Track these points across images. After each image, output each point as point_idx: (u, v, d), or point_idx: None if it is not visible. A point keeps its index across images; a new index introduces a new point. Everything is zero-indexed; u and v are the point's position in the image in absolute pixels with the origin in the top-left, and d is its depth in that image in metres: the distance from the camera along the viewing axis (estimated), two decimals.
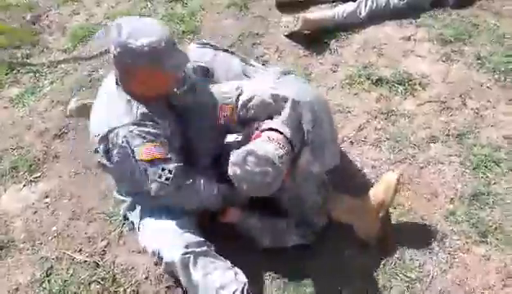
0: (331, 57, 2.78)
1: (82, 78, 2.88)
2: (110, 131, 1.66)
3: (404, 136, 2.35)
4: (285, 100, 1.76)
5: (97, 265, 2.05)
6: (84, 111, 2.40)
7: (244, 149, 1.62)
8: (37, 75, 2.97)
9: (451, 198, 2.11)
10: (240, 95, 1.81)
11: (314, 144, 1.77)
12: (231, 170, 1.63)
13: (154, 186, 1.67)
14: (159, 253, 1.76)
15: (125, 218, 2.10)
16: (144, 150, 1.63)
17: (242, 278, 1.73)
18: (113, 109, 1.69)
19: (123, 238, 2.13)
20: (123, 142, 1.64)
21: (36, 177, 2.43)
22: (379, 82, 2.59)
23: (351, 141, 2.37)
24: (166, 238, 1.75)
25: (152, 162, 1.64)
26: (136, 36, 1.56)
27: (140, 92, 1.69)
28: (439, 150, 2.29)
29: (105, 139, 1.68)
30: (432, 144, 2.32)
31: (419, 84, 2.56)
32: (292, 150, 1.70)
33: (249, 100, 1.79)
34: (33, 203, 2.32)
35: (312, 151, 1.77)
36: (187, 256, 1.69)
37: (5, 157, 2.52)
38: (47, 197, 2.34)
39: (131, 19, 1.68)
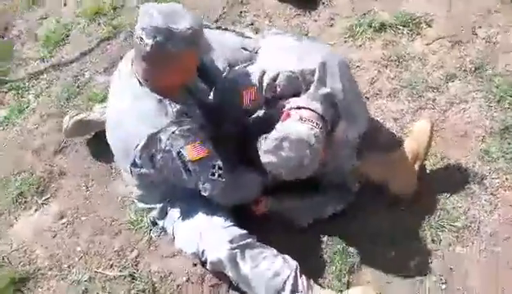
0: (325, 11, 2.61)
1: (68, 85, 2.69)
2: (150, 138, 1.52)
3: (420, 81, 2.24)
4: (312, 73, 1.63)
5: (133, 278, 1.95)
6: (82, 128, 2.28)
7: (275, 134, 1.51)
8: (19, 91, 2.76)
9: (482, 137, 2.03)
10: (263, 75, 1.66)
11: (347, 111, 1.66)
12: (265, 158, 1.51)
13: (208, 185, 1.59)
14: (202, 254, 1.68)
15: (153, 224, 2.00)
16: (191, 151, 1.52)
17: (292, 262, 1.66)
18: (145, 114, 1.54)
19: (153, 245, 2.02)
20: (166, 146, 1.52)
21: (46, 199, 2.29)
22: (382, 27, 2.44)
23: (366, 97, 2.25)
24: (207, 236, 1.67)
25: (201, 161, 1.54)
26: (173, 20, 1.41)
27: (171, 83, 1.55)
28: (459, 88, 2.19)
29: (146, 147, 1.54)
30: (450, 84, 2.21)
31: (424, 22, 2.42)
32: (325, 125, 1.58)
33: (275, 78, 1.65)
34: (50, 227, 2.20)
35: (346, 119, 1.66)
36: (234, 251, 1.62)
37: (8, 184, 2.37)
38: (62, 217, 2.22)
39: (153, 5, 1.48)
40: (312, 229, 1.88)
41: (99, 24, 2.94)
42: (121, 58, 2.62)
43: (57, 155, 2.42)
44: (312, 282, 1.65)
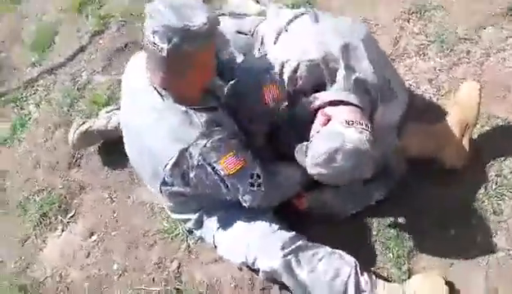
0: None
1: (67, 89, 2.51)
2: (180, 155, 1.38)
3: (448, 32, 2.05)
4: (335, 59, 1.46)
5: (178, 291, 1.87)
6: (88, 139, 2.13)
7: (323, 146, 1.36)
8: (17, 103, 2.59)
9: None
10: (282, 67, 1.49)
11: (382, 93, 1.49)
12: (314, 170, 1.39)
13: (248, 197, 1.47)
14: (253, 264, 1.59)
15: (189, 232, 1.89)
16: (226, 164, 1.39)
17: (349, 258, 1.56)
18: (171, 130, 1.38)
19: (193, 253, 1.92)
20: (199, 162, 1.38)
21: (71, 217, 2.17)
22: None
23: (392, 58, 2.07)
24: (256, 245, 1.57)
25: (237, 173, 1.41)
26: (186, 15, 1.23)
27: (193, 88, 1.40)
28: (493, 35, 2.01)
29: (177, 165, 1.40)
30: (483, 31, 2.03)
31: None
32: (367, 117, 1.43)
33: (295, 70, 1.48)
34: (81, 246, 2.09)
35: (383, 102, 1.49)
36: (288, 257, 1.52)
37: (28, 206, 2.24)
38: (92, 234, 2.11)
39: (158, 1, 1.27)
40: (354, 218, 1.76)
41: (86, 16, 2.71)
42: (117, 51, 2.57)
43: (72, 169, 2.28)
44: (374, 277, 1.56)
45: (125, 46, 2.59)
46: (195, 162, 1.38)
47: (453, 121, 1.68)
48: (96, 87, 2.46)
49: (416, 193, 1.77)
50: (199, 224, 1.70)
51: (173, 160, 1.39)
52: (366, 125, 1.38)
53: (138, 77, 1.43)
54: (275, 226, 1.58)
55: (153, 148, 1.43)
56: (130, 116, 1.53)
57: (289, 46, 1.54)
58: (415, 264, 1.66)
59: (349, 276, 1.50)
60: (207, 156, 1.37)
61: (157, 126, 1.40)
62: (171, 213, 1.81)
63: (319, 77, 1.48)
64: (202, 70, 1.36)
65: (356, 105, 1.41)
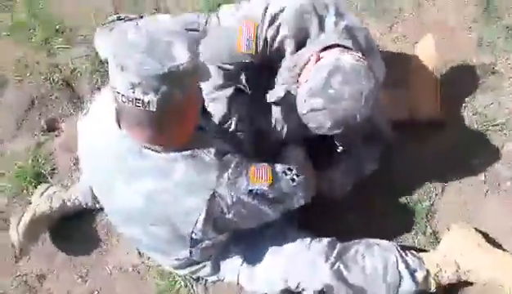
0: None
1: None
2: (210, 204, 1.14)
3: None
4: (326, 6, 1.34)
5: None
6: (35, 228, 1.74)
7: (322, 71, 1.21)
8: None
9: (469, 27, 1.94)
10: (266, 8, 1.33)
11: (368, 46, 1.40)
12: (307, 105, 1.23)
13: (300, 195, 1.27)
14: (297, 287, 1.41)
15: (196, 279, 1.65)
16: (259, 179, 1.18)
17: (386, 243, 1.47)
18: (187, 182, 1.13)
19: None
20: (233, 198, 1.15)
21: None
22: None
23: None
24: (295, 266, 1.40)
25: (275, 178, 1.21)
26: (165, 55, 0.97)
27: (189, 129, 1.15)
28: None
29: (209, 217, 1.16)
30: None
31: None
32: None
33: (280, 12, 1.32)
34: None
35: (371, 56, 1.38)
36: (336, 266, 1.38)
37: None
38: None
39: (124, 41, 0.99)
40: (352, 198, 1.66)
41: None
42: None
43: (20, 261, 1.87)
44: (413, 251, 1.48)
45: (32, 103, 2.19)
46: (229, 201, 1.16)
47: (419, 74, 1.69)
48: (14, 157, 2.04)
49: (407, 155, 1.74)
50: (216, 268, 1.48)
51: (204, 214, 1.15)
52: (361, 56, 1.27)
53: (112, 137, 1.15)
54: (306, 240, 1.42)
55: (171, 214, 1.18)
56: (120, 189, 1.22)
57: None
58: (437, 223, 1.63)
59: (397, 262, 1.40)
60: (237, 186, 1.16)
61: (168, 186, 1.14)
62: (178, 270, 1.55)
63: (306, 28, 1.33)
64: (195, 107, 1.13)
65: (349, 48, 1.30)
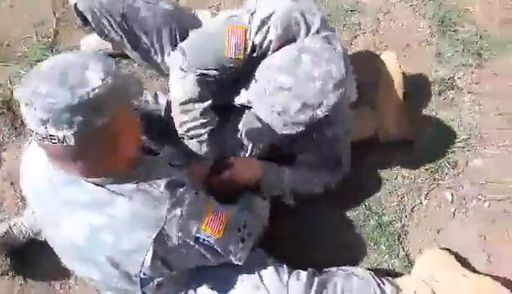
0: None
1: None
2: (157, 242, 1.02)
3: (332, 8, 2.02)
4: (314, 14, 1.28)
5: None
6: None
7: (289, 50, 1.19)
8: None
9: (426, 40, 1.94)
10: (253, 13, 1.27)
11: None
12: (273, 84, 1.18)
13: (240, 256, 1.19)
14: None
15: None
16: (211, 228, 1.08)
17: (362, 272, 1.42)
18: (132, 219, 1.02)
19: None
20: (179, 240, 1.04)
21: None
22: None
23: None
24: None
25: (226, 232, 1.11)
26: (76, 82, 0.86)
27: (127, 155, 1.04)
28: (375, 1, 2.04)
29: (156, 255, 1.04)
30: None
31: None
32: None
33: (269, 16, 1.26)
34: None
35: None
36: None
37: None
38: None
39: (31, 74, 0.90)
40: (323, 219, 1.64)
41: None
42: None
43: None
44: (389, 278, 1.46)
45: None
46: (176, 242, 1.05)
47: (384, 92, 1.66)
48: None
49: (373, 174, 1.72)
50: None
51: (151, 253, 1.04)
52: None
53: (51, 170, 1.03)
54: (283, 277, 1.33)
55: (114, 252, 1.07)
56: (62, 225, 1.09)
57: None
58: (409, 245, 1.61)
59: (375, 293, 1.37)
60: (187, 229, 1.06)
61: (109, 222, 1.02)
62: None
63: (290, 33, 1.27)
64: (128, 132, 1.01)
65: None
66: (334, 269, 1.42)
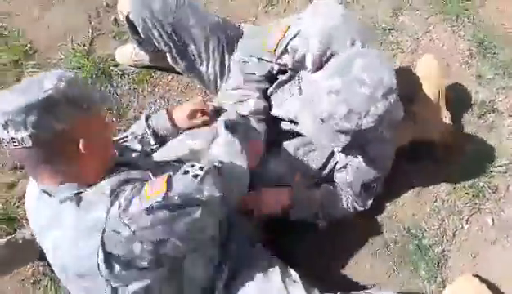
0: None
1: None
2: (104, 247, 0.98)
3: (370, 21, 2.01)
4: (358, 31, 1.30)
5: None
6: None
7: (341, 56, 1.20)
8: None
9: (466, 62, 1.93)
10: (300, 18, 1.34)
11: None
12: (324, 87, 1.17)
13: (206, 193, 1.04)
14: None
15: None
16: (152, 190, 1.00)
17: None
18: (76, 233, 1.00)
19: None
20: (130, 228, 0.97)
21: None
22: None
23: None
24: None
25: (169, 182, 1.02)
26: (29, 89, 0.97)
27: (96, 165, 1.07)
28: (413, 19, 2.03)
29: (111, 258, 0.99)
30: (401, 18, 2.03)
31: None
32: None
33: (313, 25, 1.30)
34: None
35: None
36: None
37: None
38: None
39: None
40: (352, 237, 1.61)
41: None
42: None
43: None
44: None
45: None
46: (127, 232, 0.97)
47: (427, 97, 1.65)
48: None
49: (413, 194, 1.70)
50: None
51: (102, 256, 0.98)
52: None
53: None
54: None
55: (74, 263, 1.03)
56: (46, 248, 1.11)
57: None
58: (448, 271, 1.59)
59: None
60: (131, 212, 0.98)
61: (63, 233, 1.02)
62: None
63: (331, 48, 1.29)
64: (94, 142, 1.04)
65: None
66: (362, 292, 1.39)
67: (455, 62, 1.93)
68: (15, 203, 1.73)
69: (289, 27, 1.33)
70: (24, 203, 1.71)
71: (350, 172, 1.46)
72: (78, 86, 1.02)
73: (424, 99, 1.67)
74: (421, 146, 1.68)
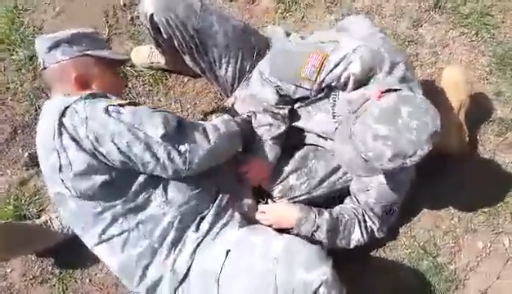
0: None
1: None
2: (60, 121, 1.22)
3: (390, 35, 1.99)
4: (399, 54, 1.35)
5: None
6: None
7: (386, 100, 1.18)
8: None
9: (485, 77, 1.91)
10: (338, 43, 1.33)
11: None
12: (370, 131, 1.16)
13: (154, 123, 1.25)
14: None
15: None
16: (114, 102, 1.26)
17: None
18: (51, 111, 1.27)
19: None
20: (87, 112, 1.22)
21: None
22: None
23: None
24: None
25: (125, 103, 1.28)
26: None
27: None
28: (433, 32, 2.00)
29: (61, 134, 1.23)
30: (421, 30, 2.01)
31: None
32: None
33: (354, 50, 1.30)
34: None
35: None
36: None
37: None
38: None
39: None
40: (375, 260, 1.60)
41: None
42: None
43: None
44: None
45: (14, 133, 1.95)
46: (84, 115, 1.21)
47: (448, 108, 1.64)
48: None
49: (429, 214, 1.68)
50: None
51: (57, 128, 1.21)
52: None
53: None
54: None
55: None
56: None
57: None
58: (462, 290, 1.57)
59: None
60: (95, 106, 1.23)
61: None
62: None
63: (372, 69, 1.31)
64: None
65: None
66: None
67: (473, 78, 1.90)
68: (26, 200, 1.72)
69: (327, 55, 1.34)
70: (35, 201, 1.72)
71: (373, 194, 1.46)
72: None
73: (446, 111, 1.64)
74: (437, 161, 1.66)
